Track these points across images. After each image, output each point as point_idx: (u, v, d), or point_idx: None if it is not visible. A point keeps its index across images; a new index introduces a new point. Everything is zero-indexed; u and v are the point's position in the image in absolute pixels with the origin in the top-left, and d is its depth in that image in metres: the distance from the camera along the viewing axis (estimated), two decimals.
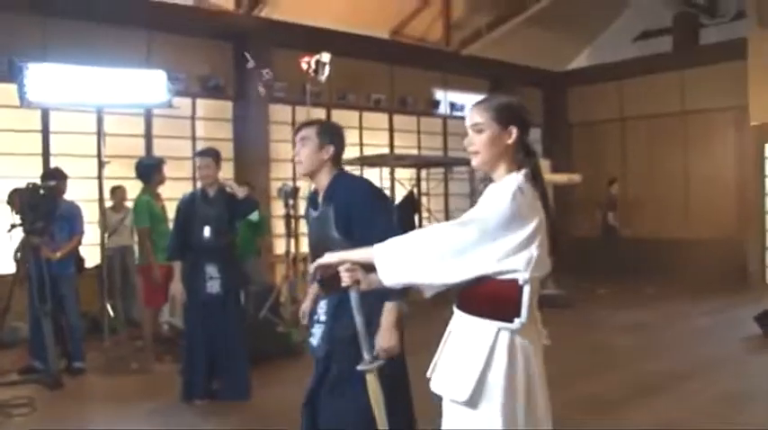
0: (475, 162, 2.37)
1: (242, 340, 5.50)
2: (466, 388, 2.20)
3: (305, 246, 9.86)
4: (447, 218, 12.17)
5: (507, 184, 2.26)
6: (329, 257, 2.44)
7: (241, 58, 10.15)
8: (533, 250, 2.19)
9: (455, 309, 2.35)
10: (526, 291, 2.19)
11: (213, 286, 5.29)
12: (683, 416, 4.95)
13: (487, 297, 2.23)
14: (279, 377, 6.06)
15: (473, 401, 2.20)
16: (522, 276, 2.18)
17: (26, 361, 6.32)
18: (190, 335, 5.47)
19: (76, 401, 5.73)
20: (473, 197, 2.66)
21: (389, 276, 2.26)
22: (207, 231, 5.32)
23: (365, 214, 3.07)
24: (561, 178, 9.10)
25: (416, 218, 12.13)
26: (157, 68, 7.78)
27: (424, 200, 12.38)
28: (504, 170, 2.33)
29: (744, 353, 7.08)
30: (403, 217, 10.85)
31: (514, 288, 2.19)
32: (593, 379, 5.99)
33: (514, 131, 2.32)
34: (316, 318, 3.21)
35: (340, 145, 3.27)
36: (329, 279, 2.55)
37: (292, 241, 8.82)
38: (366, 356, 2.52)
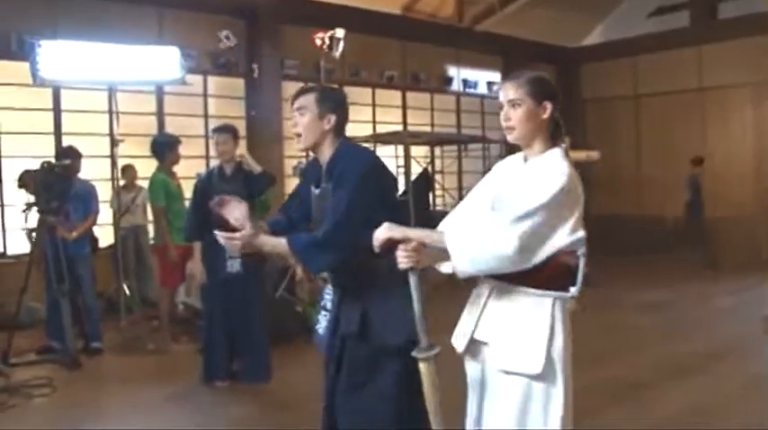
0: (511, 137, 2.40)
1: (262, 320, 5.41)
2: (537, 361, 2.24)
3: None
4: (461, 196, 12.06)
5: (554, 161, 2.32)
6: (392, 230, 2.34)
7: (253, 35, 10.07)
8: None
9: (493, 282, 2.35)
10: (582, 260, 2.27)
11: (233, 265, 5.19)
12: (713, 399, 4.85)
13: (549, 269, 2.25)
14: (299, 358, 6.00)
15: (543, 373, 2.24)
16: (582, 246, 2.26)
17: (44, 341, 6.28)
18: (209, 314, 5.40)
19: (95, 382, 5.71)
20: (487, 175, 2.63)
21: (465, 266, 2.25)
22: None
23: (342, 185, 2.71)
24: (580, 155, 8.91)
25: (431, 196, 12.07)
26: (169, 45, 7.65)
27: (438, 177, 12.29)
28: (541, 145, 2.39)
29: (763, 333, 6.96)
30: (417, 195, 10.76)
31: (574, 258, 2.27)
32: (614, 360, 5.91)
33: (549, 106, 2.36)
34: (322, 304, 3.02)
35: (343, 113, 2.86)
36: (386, 251, 2.37)
37: None
38: (423, 342, 2.37)
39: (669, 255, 11.82)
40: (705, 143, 12.92)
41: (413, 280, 2.32)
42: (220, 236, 2.73)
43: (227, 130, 5.41)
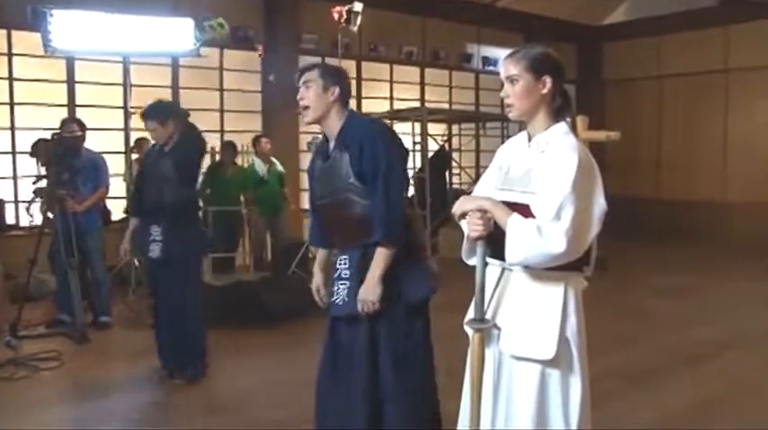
0: (511, 114, 2.34)
1: (187, 314, 4.85)
2: (550, 345, 2.18)
3: None
4: (478, 174, 11.91)
5: (559, 138, 2.27)
6: (471, 202, 2.31)
7: (270, 8, 9.93)
8: None
9: (504, 264, 2.28)
10: (595, 238, 2.23)
11: (154, 250, 4.77)
12: (725, 388, 4.74)
13: None
14: (316, 335, 5.94)
15: (558, 358, 2.18)
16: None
17: (53, 314, 6.26)
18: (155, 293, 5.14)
19: (103, 355, 5.67)
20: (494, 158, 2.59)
21: (518, 259, 2.18)
22: (151, 189, 4.85)
23: (377, 153, 2.87)
24: (599, 135, 8.74)
25: (447, 173, 11.94)
26: (185, 17, 7.53)
27: (455, 155, 12.15)
28: (543, 121, 2.32)
29: None
30: (434, 172, 10.64)
31: None
32: (633, 345, 5.80)
33: (548, 81, 2.29)
34: (336, 274, 2.99)
35: (345, 86, 3.04)
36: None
37: None
38: (477, 314, 2.31)
39: (689, 239, 11.64)
40: (727, 125, 12.65)
41: (480, 249, 2.27)
42: None
43: (151, 117, 4.78)
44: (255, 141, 8.55)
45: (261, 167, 8.38)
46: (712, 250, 11.01)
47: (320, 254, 3.31)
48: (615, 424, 3.88)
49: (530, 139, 2.35)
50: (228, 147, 8.46)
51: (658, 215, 12.76)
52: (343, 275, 2.96)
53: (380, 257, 2.85)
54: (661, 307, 7.32)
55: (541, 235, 2.10)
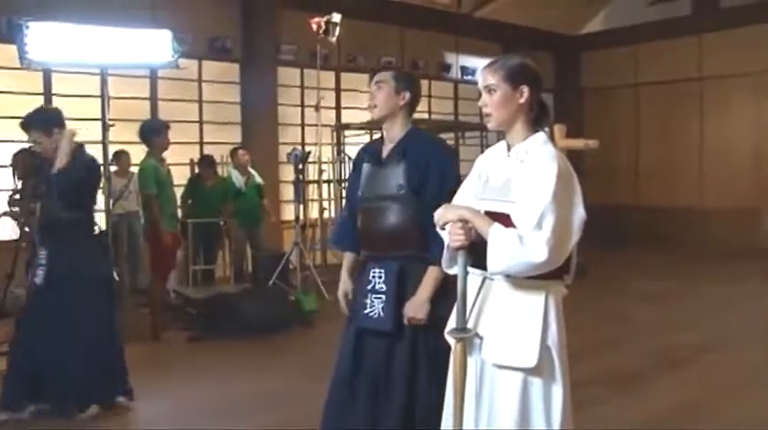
0: (490, 123, 2.36)
1: (69, 354, 4.26)
2: (532, 353, 2.18)
3: (314, 212, 9.76)
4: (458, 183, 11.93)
5: (538, 148, 2.29)
6: (453, 211, 2.31)
7: (249, 19, 9.92)
8: None
9: (485, 273, 2.27)
10: (575, 246, 2.25)
11: (39, 275, 4.26)
12: (704, 391, 4.79)
13: None
14: (296, 347, 5.96)
15: (539, 366, 2.19)
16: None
17: None
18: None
19: None
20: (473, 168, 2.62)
21: (499, 266, 2.18)
22: (38, 206, 4.42)
23: (447, 173, 2.94)
24: (577, 143, 8.83)
25: None
26: (163, 29, 7.50)
27: None
28: (522, 130, 2.34)
29: (763, 326, 6.90)
30: None
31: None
32: (614, 350, 5.84)
33: (526, 90, 2.32)
34: (370, 286, 2.94)
35: (416, 94, 3.08)
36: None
37: (301, 207, 8.68)
38: (458, 323, 2.30)
39: (668, 245, 11.76)
40: (703, 133, 12.81)
41: (461, 259, 2.27)
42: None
43: (33, 127, 4.35)
44: (233, 153, 8.57)
45: (238, 179, 8.38)
46: (691, 255, 11.14)
47: (349, 258, 3.24)
48: (596, 427, 3.88)
49: (509, 149, 2.37)
50: (206, 162, 8.43)
51: (637, 222, 12.88)
52: (378, 289, 2.93)
53: (433, 276, 2.83)
54: (641, 312, 7.38)
55: (523, 244, 2.11)
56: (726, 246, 11.32)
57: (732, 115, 12.39)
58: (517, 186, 2.24)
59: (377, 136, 3.33)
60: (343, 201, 10.78)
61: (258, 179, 8.55)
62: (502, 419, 2.23)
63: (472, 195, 2.43)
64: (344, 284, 3.18)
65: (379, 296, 2.91)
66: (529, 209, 2.16)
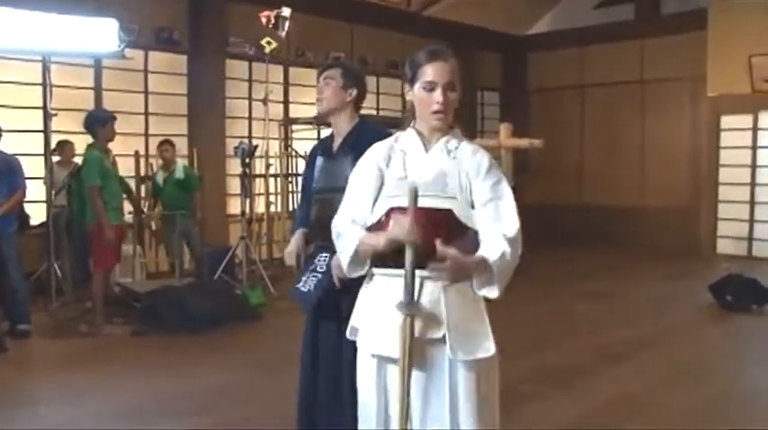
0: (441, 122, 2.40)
1: None
2: (490, 342, 2.27)
3: (260, 207, 9.71)
4: None
5: (469, 146, 2.38)
6: (448, 251, 2.10)
7: (197, 11, 9.80)
8: None
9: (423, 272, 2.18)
10: None
11: None
12: (642, 385, 4.94)
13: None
14: (238, 342, 5.91)
15: (495, 354, 2.28)
16: None
17: None
18: None
19: (21, 365, 5.50)
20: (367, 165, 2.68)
21: (506, 282, 2.23)
22: None
23: None
24: (523, 142, 9.00)
25: None
26: (109, 17, 7.37)
27: None
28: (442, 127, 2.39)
29: (699, 322, 7.15)
30: None
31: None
32: (553, 347, 5.94)
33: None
34: (312, 267, 3.07)
35: (362, 91, 3.21)
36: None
37: (248, 201, 8.63)
38: (405, 298, 2.19)
39: (611, 244, 12.04)
40: (644, 134, 13.14)
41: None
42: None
43: None
44: (158, 147, 8.47)
45: (160, 174, 8.35)
46: (632, 254, 11.42)
47: (302, 230, 3.28)
48: (535, 423, 3.97)
49: (425, 146, 2.35)
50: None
51: (581, 221, 13.13)
52: (318, 269, 3.04)
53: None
54: (582, 310, 7.54)
55: (513, 246, 2.21)
56: (665, 245, 11.65)
57: (671, 117, 12.74)
58: (454, 182, 2.27)
59: (325, 131, 3.39)
60: (290, 195, 10.80)
61: (179, 174, 8.28)
62: (464, 413, 2.24)
63: (372, 194, 2.35)
64: (296, 242, 3.26)
65: (316, 275, 3.03)
66: (499, 207, 2.26)
